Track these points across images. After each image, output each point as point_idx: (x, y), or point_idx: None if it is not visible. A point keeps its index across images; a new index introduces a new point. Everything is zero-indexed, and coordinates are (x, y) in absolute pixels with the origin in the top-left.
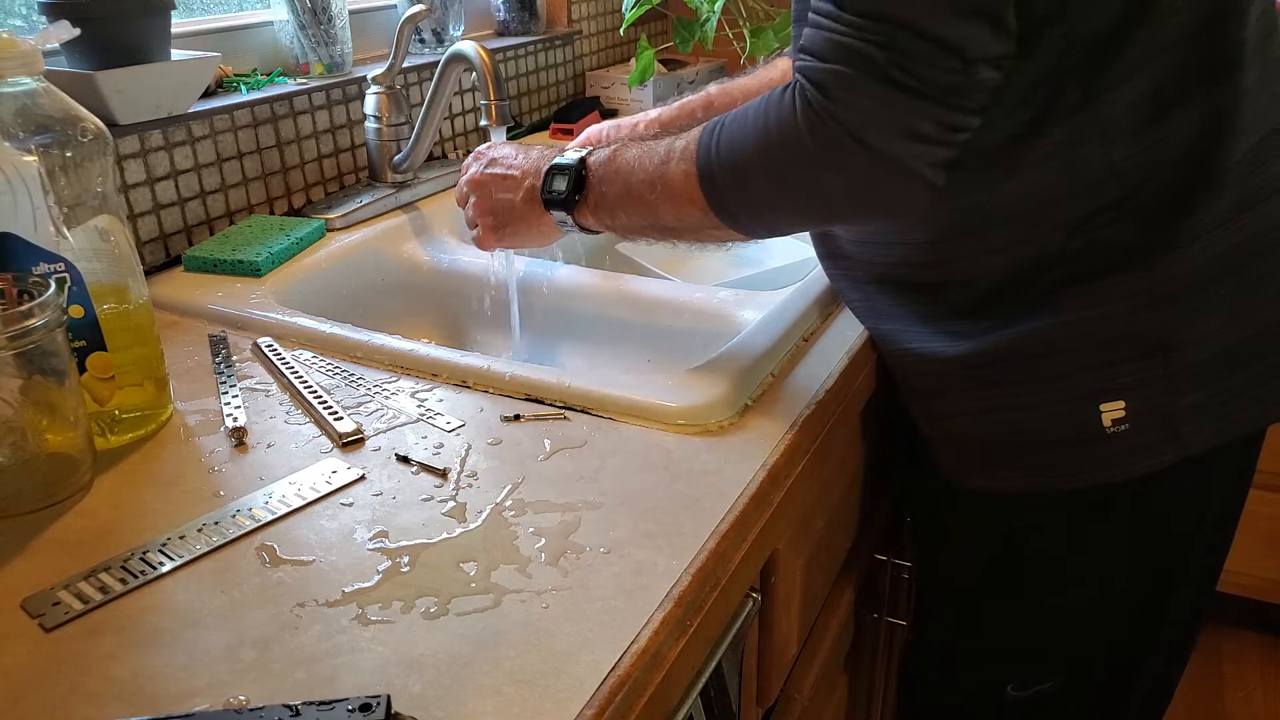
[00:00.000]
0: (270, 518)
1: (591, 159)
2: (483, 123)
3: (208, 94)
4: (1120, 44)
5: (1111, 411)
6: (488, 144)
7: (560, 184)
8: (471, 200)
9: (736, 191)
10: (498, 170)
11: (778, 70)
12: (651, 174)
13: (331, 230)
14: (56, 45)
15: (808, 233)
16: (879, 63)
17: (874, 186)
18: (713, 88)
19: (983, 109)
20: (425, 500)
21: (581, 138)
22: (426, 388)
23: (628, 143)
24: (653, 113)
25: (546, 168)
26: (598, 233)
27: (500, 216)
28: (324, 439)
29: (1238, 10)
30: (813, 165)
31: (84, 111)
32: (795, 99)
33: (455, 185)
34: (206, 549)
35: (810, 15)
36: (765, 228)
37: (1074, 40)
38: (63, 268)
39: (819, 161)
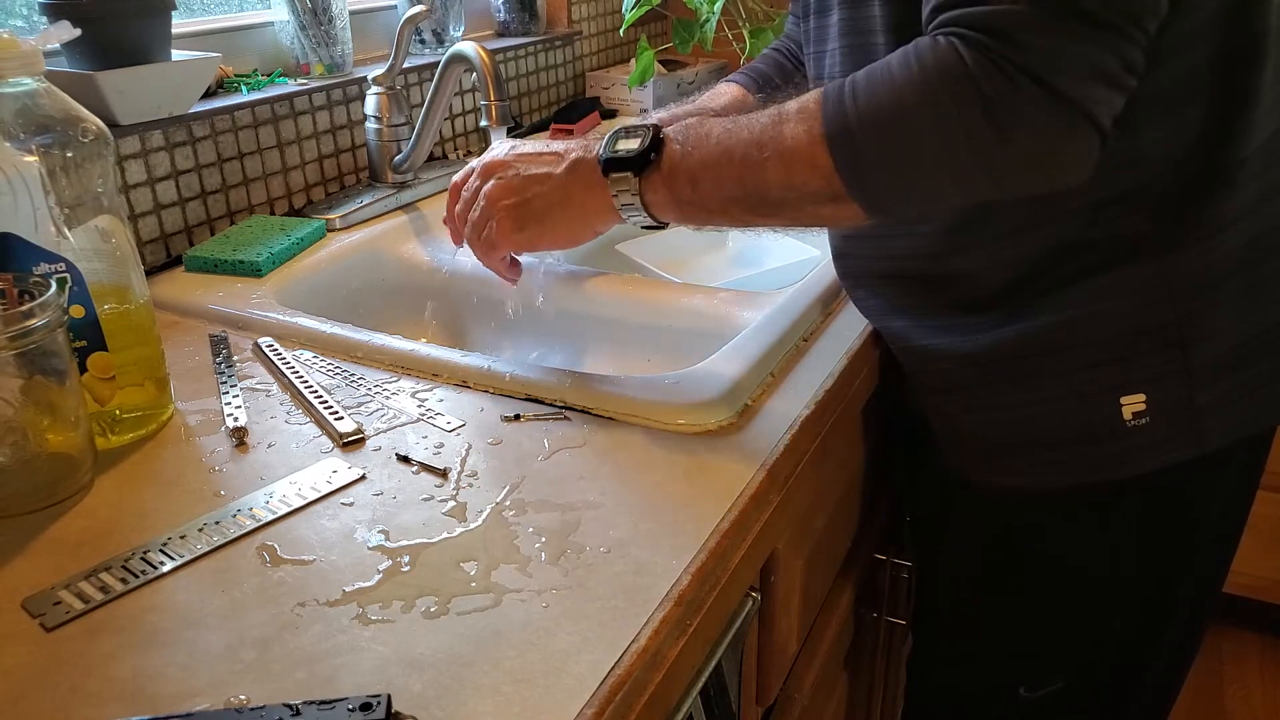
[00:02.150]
0: (271, 517)
1: (668, 126)
2: (483, 123)
3: (208, 94)
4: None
5: (1132, 404)
6: (499, 141)
7: (631, 143)
8: (486, 187)
9: (878, 149)
10: (528, 149)
11: (725, 97)
12: (758, 135)
13: (332, 230)
14: (57, 45)
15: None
16: None
17: (1054, 139)
18: (661, 113)
19: (1151, 48)
20: (426, 500)
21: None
22: (427, 388)
23: (704, 117)
24: (664, 112)
25: (610, 132)
26: (658, 220)
27: (528, 194)
28: (324, 439)
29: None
30: (985, 117)
31: (85, 112)
32: (956, 46)
33: None
34: (207, 549)
35: None
36: (898, 197)
37: None
38: (63, 268)
39: (995, 113)
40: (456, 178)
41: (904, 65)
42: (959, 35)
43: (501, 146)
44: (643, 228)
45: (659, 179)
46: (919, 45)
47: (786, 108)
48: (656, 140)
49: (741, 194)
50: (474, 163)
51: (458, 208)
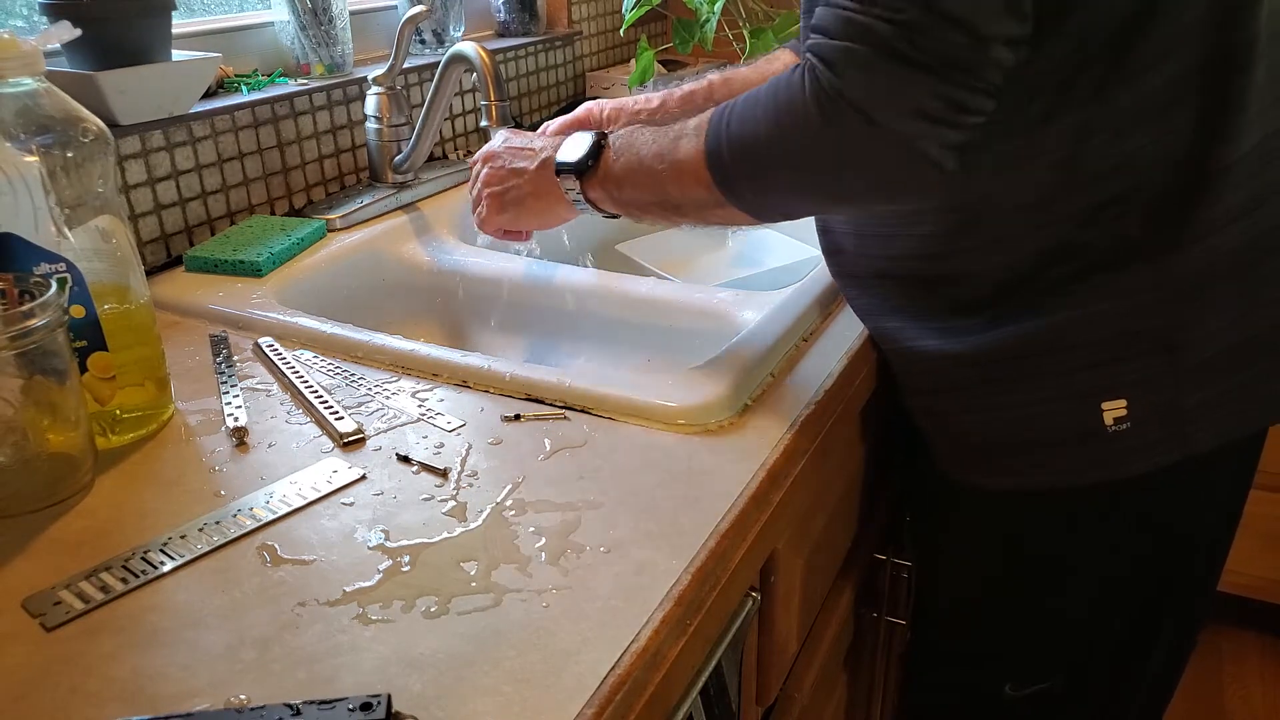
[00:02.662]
0: (271, 517)
1: (613, 134)
2: (483, 123)
3: (209, 94)
4: (1134, 36)
5: (1113, 410)
6: (508, 128)
7: (576, 152)
8: (483, 171)
9: (743, 169)
10: (516, 143)
11: (779, 62)
12: (662, 148)
13: (332, 230)
14: (57, 46)
15: (810, 230)
16: (887, 37)
17: (880, 166)
18: (715, 75)
19: (995, 91)
20: (426, 500)
21: (580, 110)
22: (427, 387)
23: (644, 124)
24: (656, 96)
25: (569, 138)
26: (606, 213)
27: (508, 184)
28: (325, 439)
29: (1249, 4)
30: (820, 143)
31: (85, 112)
32: (805, 77)
33: (456, 185)
34: (207, 548)
35: None
36: (770, 208)
37: (1089, 30)
38: (64, 268)
39: (826, 139)
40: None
41: (769, 93)
42: (810, 65)
43: (498, 138)
44: (604, 217)
45: (596, 182)
46: (782, 76)
47: (689, 123)
48: (597, 148)
49: (653, 199)
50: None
51: (469, 185)
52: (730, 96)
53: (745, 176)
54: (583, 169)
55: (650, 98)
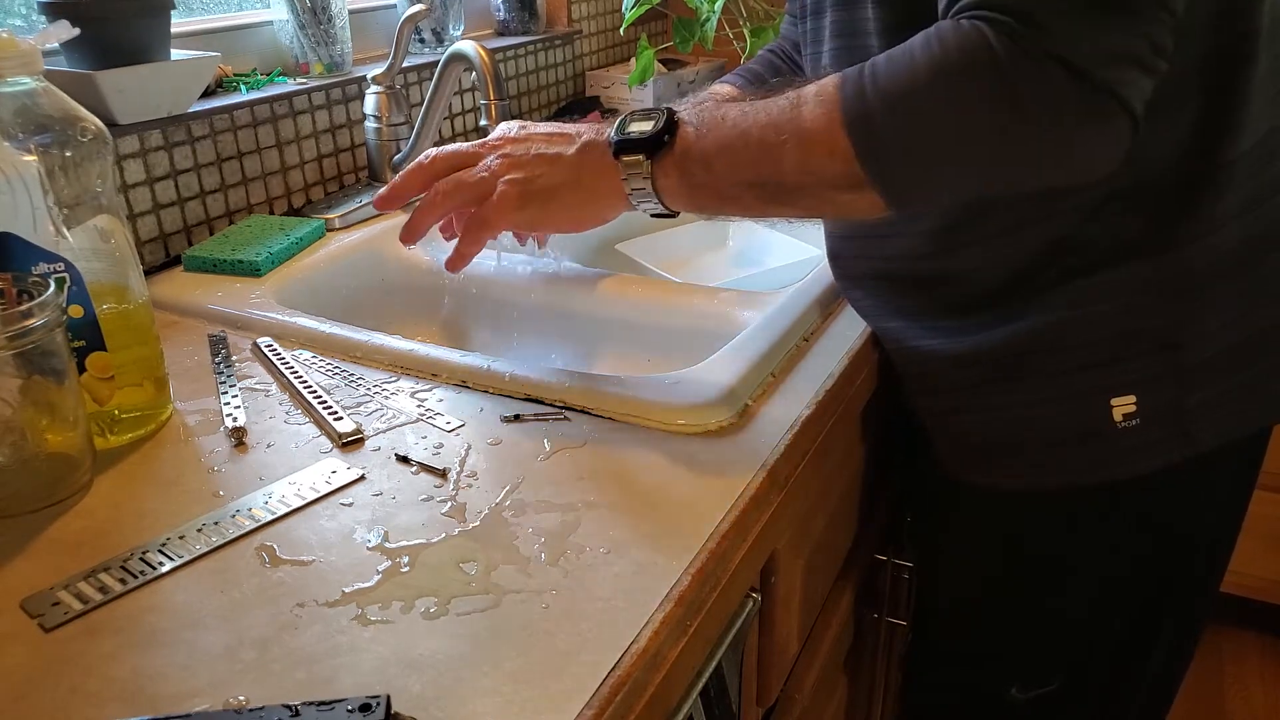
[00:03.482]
0: (270, 518)
1: (682, 108)
2: (482, 122)
3: (207, 94)
4: None
5: (1123, 406)
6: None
7: (644, 125)
8: (493, 159)
9: (898, 132)
10: (540, 130)
11: (721, 97)
12: (776, 118)
13: (331, 230)
14: (56, 45)
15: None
16: None
17: (1082, 125)
18: (720, 87)
19: (1177, 29)
20: (425, 500)
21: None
22: (426, 388)
23: (720, 101)
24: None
25: (624, 115)
26: (668, 208)
27: (535, 171)
28: (324, 439)
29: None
30: (1012, 100)
31: (84, 111)
32: (981, 29)
33: None
34: (206, 549)
35: None
36: (918, 183)
37: None
38: (62, 267)
39: (1019, 96)
40: (421, 159)
41: (926, 48)
42: (983, 19)
43: (511, 124)
44: (652, 215)
45: (671, 162)
46: (941, 28)
47: (805, 91)
48: (671, 122)
49: (757, 178)
50: (434, 151)
51: (444, 185)
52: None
53: (900, 142)
54: (657, 145)
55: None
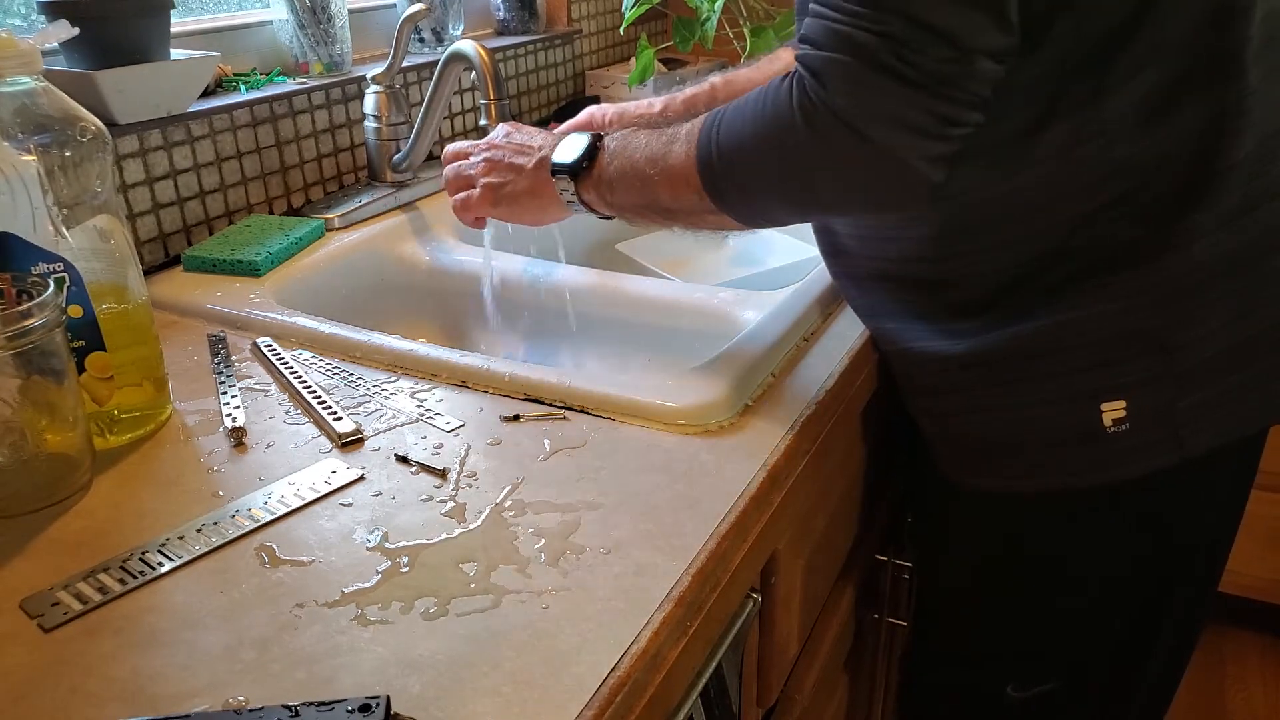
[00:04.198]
0: (269, 518)
1: (609, 136)
2: (482, 122)
3: (207, 93)
4: (1126, 40)
5: (1112, 411)
6: (503, 123)
7: (572, 152)
8: (479, 159)
9: (730, 176)
10: (518, 140)
11: (780, 62)
12: (655, 153)
13: (331, 230)
14: (55, 45)
15: (811, 231)
16: (874, 50)
17: (868, 179)
18: (716, 78)
19: (983, 104)
20: (425, 500)
21: (583, 115)
22: (426, 388)
23: (641, 128)
24: (659, 101)
25: (565, 138)
26: (599, 214)
27: (505, 177)
28: (323, 439)
29: (1243, 8)
30: (806, 154)
31: (83, 111)
32: (792, 87)
33: None
34: (206, 549)
35: (811, 5)
36: (758, 215)
37: (1081, 36)
38: (61, 267)
39: (812, 150)
40: (465, 144)
41: (756, 103)
42: (797, 76)
43: (501, 129)
44: (600, 217)
45: (590, 183)
46: (770, 86)
47: (681, 129)
48: (592, 149)
49: (644, 203)
50: (449, 147)
51: (451, 166)
52: (733, 98)
53: (733, 185)
54: (577, 170)
55: (653, 103)
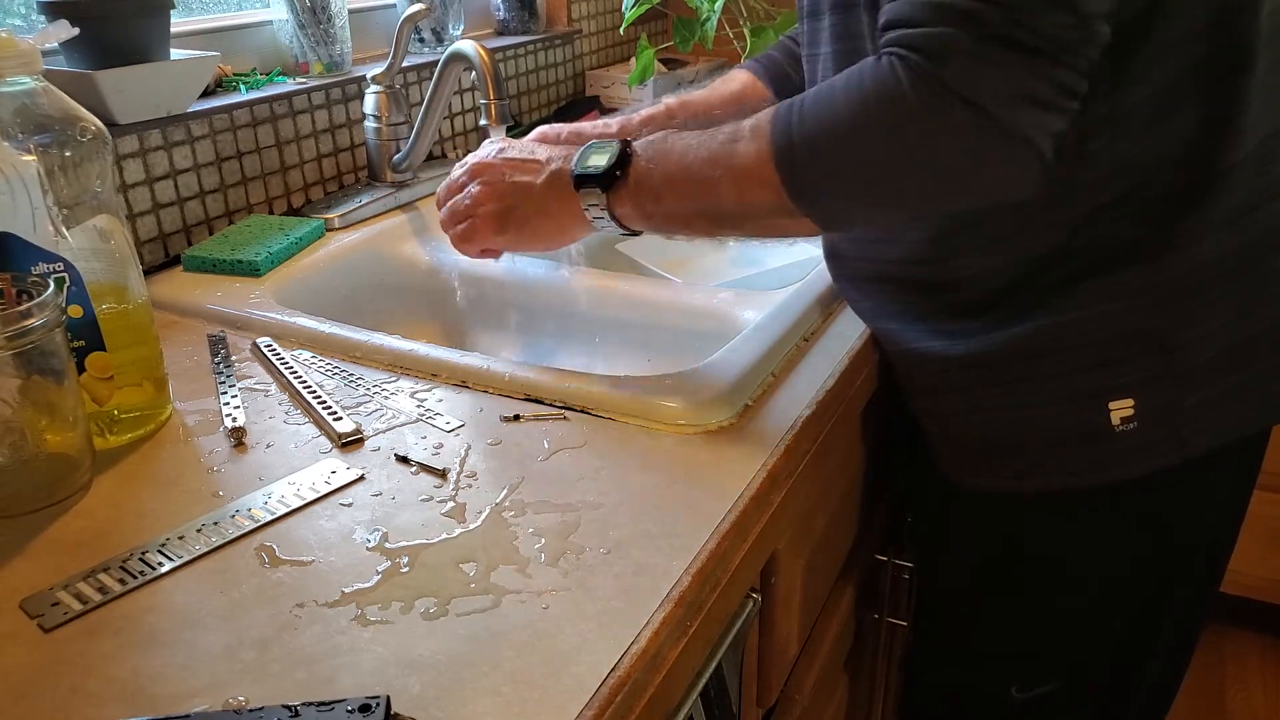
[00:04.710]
0: (269, 518)
1: (637, 141)
2: (482, 122)
3: (207, 93)
4: (1143, 35)
5: (1120, 410)
6: (490, 140)
7: (600, 159)
8: (472, 188)
9: (819, 168)
10: (515, 154)
11: (735, 83)
12: (714, 152)
13: (331, 230)
14: (55, 45)
15: (858, 227)
16: (989, 20)
17: (986, 160)
18: (670, 99)
19: (1092, 71)
20: (425, 500)
21: (535, 133)
22: (426, 388)
23: (681, 128)
24: (614, 122)
25: (583, 147)
26: (628, 230)
27: (510, 201)
28: (323, 439)
29: (1249, 4)
30: (918, 139)
31: (83, 111)
32: (897, 68)
33: None
34: (205, 549)
35: None
36: (843, 213)
37: None
38: (61, 267)
39: (926, 134)
40: (452, 176)
41: (846, 85)
42: (898, 56)
43: (489, 148)
44: (621, 234)
45: (626, 194)
46: (863, 66)
47: (742, 125)
48: (624, 156)
49: (700, 209)
50: (469, 158)
51: (440, 193)
52: (691, 118)
53: (822, 177)
54: (610, 180)
55: (609, 123)
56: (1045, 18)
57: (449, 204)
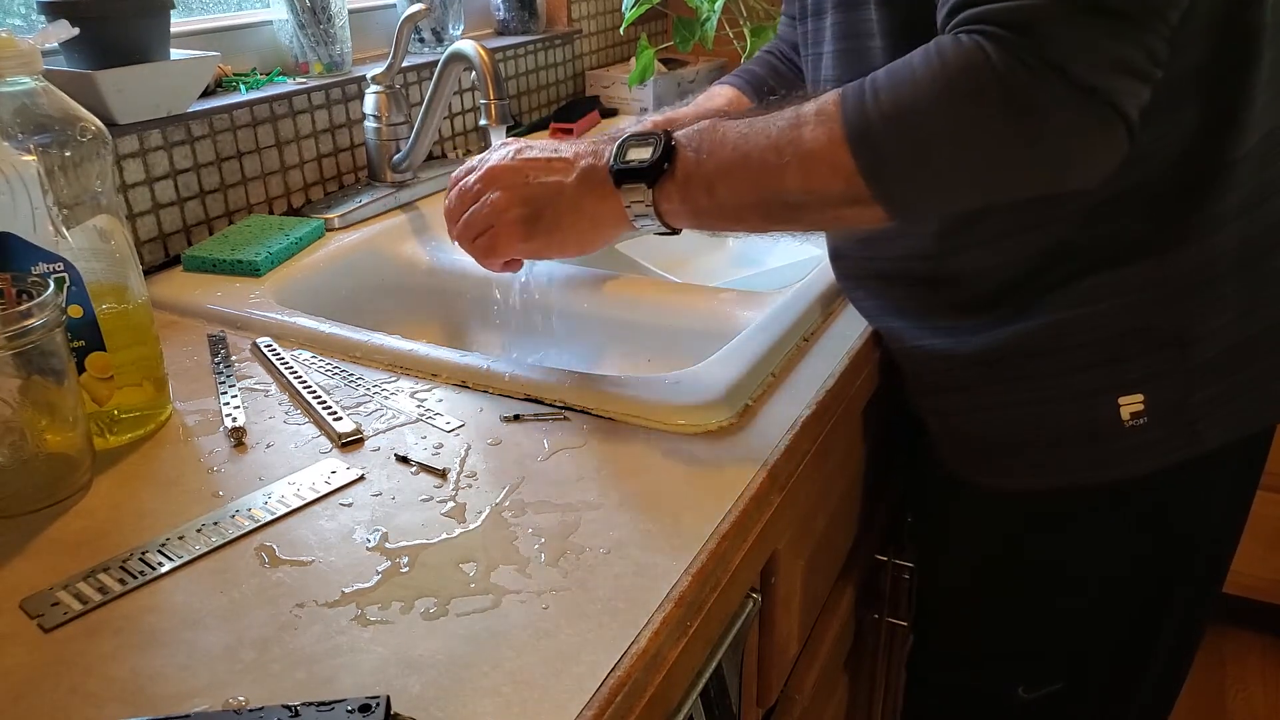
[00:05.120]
0: (269, 518)
1: (679, 131)
2: (482, 122)
3: (207, 93)
4: None
5: (1130, 405)
6: (503, 142)
7: (642, 152)
8: (491, 195)
9: (901, 148)
10: (537, 154)
11: (721, 99)
12: (776, 139)
13: (331, 230)
14: (55, 45)
15: (933, 213)
16: None
17: (1084, 131)
18: (657, 116)
19: (1173, 37)
20: (425, 500)
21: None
22: (426, 388)
23: (719, 119)
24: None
25: (620, 140)
26: (670, 228)
27: (539, 205)
28: (323, 439)
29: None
30: (1009, 113)
31: (83, 111)
32: (980, 42)
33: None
34: (205, 549)
35: None
36: (924, 198)
37: None
38: (61, 267)
39: (1017, 108)
40: (457, 174)
41: (926, 63)
42: (981, 32)
43: (505, 150)
44: (656, 234)
45: (673, 188)
46: (940, 43)
47: (804, 109)
48: (669, 148)
49: (759, 200)
50: (474, 160)
51: (450, 203)
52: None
53: (904, 159)
54: (657, 174)
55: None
56: None
57: (464, 216)
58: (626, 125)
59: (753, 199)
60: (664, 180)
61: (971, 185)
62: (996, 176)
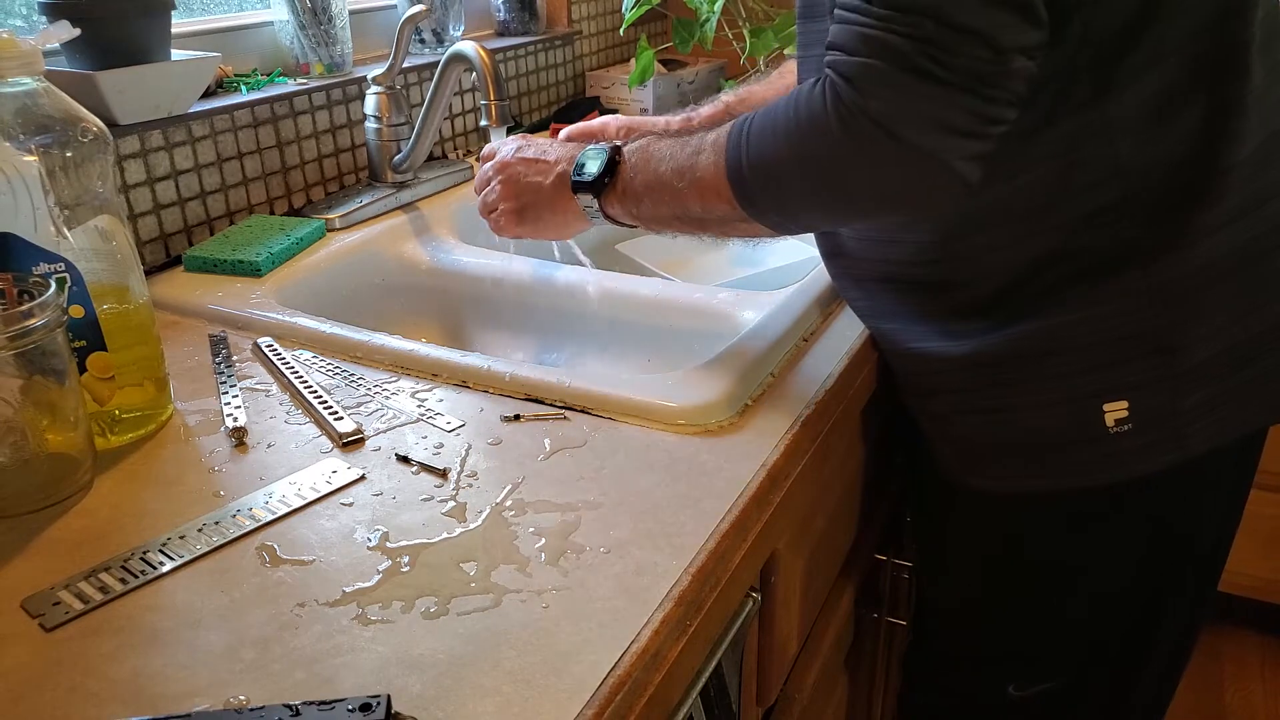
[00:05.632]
0: (270, 518)
1: (626, 148)
2: (483, 123)
3: (208, 94)
4: (1132, 41)
5: (1115, 411)
6: (519, 135)
7: (592, 167)
8: (496, 184)
9: (763, 185)
10: (530, 154)
11: (790, 75)
12: (681, 164)
13: (331, 230)
14: (57, 45)
15: (810, 232)
16: (907, 53)
17: (906, 181)
18: (729, 95)
19: (1019, 100)
20: (425, 500)
21: (596, 122)
22: (426, 388)
23: (663, 135)
24: (675, 121)
25: (585, 150)
26: (623, 224)
27: (525, 199)
28: (324, 439)
29: (1242, 10)
30: (843, 159)
31: (84, 112)
32: (825, 93)
33: (455, 185)
34: (206, 549)
35: (836, 11)
36: (791, 222)
37: (1089, 36)
38: (63, 268)
39: (849, 156)
40: (485, 152)
41: (786, 110)
42: (829, 81)
43: (509, 145)
44: (626, 227)
45: (614, 198)
46: (800, 91)
47: (707, 138)
48: (612, 163)
49: (674, 214)
50: (491, 146)
51: (476, 184)
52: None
53: (767, 193)
54: (600, 187)
55: (670, 121)
56: (962, 52)
57: (481, 197)
58: (688, 110)
59: (668, 213)
60: (607, 191)
61: (829, 216)
62: (844, 211)
